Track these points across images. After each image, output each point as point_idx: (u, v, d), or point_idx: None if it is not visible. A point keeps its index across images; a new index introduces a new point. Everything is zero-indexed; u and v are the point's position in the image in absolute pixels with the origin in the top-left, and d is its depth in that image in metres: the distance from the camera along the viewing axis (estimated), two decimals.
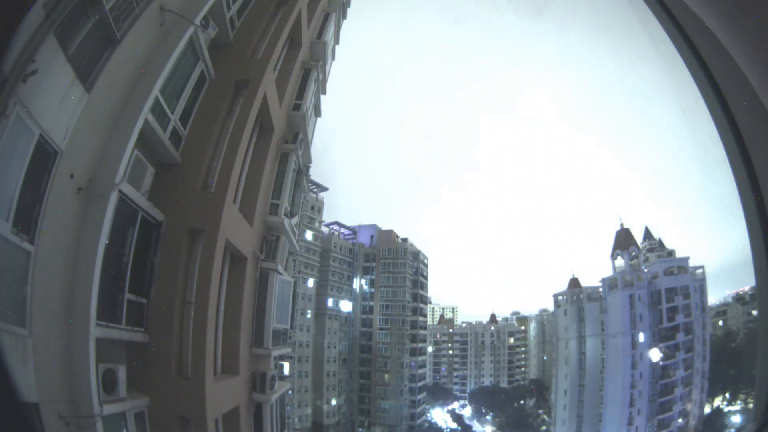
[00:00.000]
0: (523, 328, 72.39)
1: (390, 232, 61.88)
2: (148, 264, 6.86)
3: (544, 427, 58.09)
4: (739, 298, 42.52)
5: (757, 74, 2.60)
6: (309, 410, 49.95)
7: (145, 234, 6.76)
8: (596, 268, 54.62)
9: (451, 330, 74.50)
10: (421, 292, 62.55)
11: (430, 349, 68.53)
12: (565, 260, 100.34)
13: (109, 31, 5.86)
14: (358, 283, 59.23)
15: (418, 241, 63.81)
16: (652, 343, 42.49)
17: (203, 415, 6.86)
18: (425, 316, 64.56)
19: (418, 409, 58.35)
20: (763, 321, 3.89)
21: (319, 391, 51.51)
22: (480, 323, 73.52)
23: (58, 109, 5.06)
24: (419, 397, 58.92)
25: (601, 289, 49.52)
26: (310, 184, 45.10)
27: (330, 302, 55.15)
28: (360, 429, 55.58)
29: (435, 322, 75.99)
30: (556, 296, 55.80)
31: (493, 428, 61.68)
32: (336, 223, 59.77)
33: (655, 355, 42.08)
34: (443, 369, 71.49)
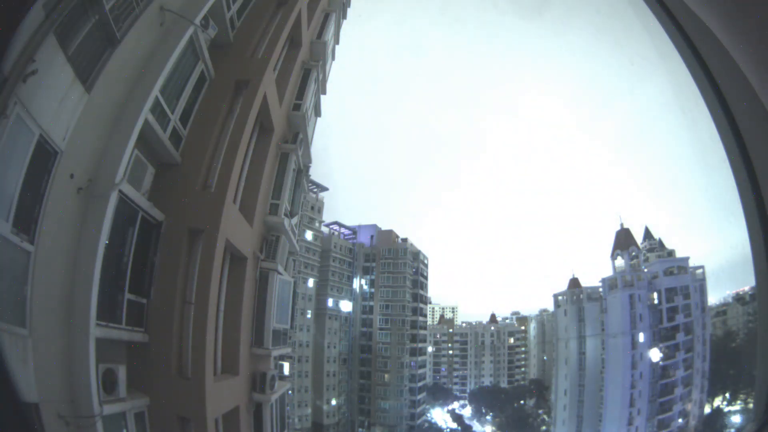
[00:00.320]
0: (523, 328, 72.41)
1: (390, 232, 61.92)
2: (148, 264, 6.85)
3: (544, 427, 58.11)
4: (739, 298, 42.53)
5: (757, 74, 2.60)
6: (309, 410, 49.96)
7: (145, 234, 6.75)
8: (596, 268, 54.78)
9: (451, 330, 74.52)
10: (421, 292, 62.58)
11: (430, 348, 68.54)
12: (565, 260, 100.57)
13: (109, 31, 5.86)
14: (358, 283, 59.25)
15: (418, 241, 63.94)
16: (652, 343, 42.50)
17: (203, 415, 6.85)
18: (425, 316, 64.60)
19: (418, 409, 58.37)
20: (763, 321, 3.88)
21: (319, 391, 51.52)
22: (480, 323, 73.58)
23: (58, 109, 5.05)
24: (419, 397, 58.94)
25: (601, 289, 49.54)
26: (310, 184, 45.11)
27: (330, 302, 55.17)
28: (360, 429, 55.59)
29: (435, 322, 76.01)
30: (556, 296, 55.85)
31: (493, 428, 61.69)
32: (336, 223, 59.87)
33: (655, 355, 42.09)
34: (443, 369, 71.49)
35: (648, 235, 50.49)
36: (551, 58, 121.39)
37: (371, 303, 58.84)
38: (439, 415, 63.81)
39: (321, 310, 54.06)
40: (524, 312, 73.68)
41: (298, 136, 11.64)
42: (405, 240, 61.85)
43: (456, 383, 70.05)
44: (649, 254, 48.61)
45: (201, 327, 7.12)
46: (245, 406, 8.93)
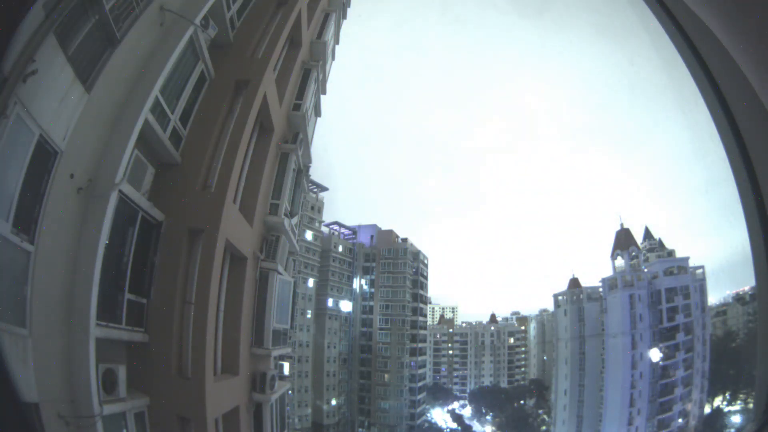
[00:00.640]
0: (523, 328, 72.39)
1: (390, 232, 61.89)
2: (148, 264, 6.86)
3: (544, 427, 58.10)
4: (739, 298, 42.51)
5: (757, 74, 2.60)
6: (309, 410, 49.95)
7: (145, 234, 6.76)
8: (596, 268, 54.74)
9: (451, 330, 74.49)
10: (421, 292, 62.56)
11: (429, 348, 68.55)
12: (565, 260, 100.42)
13: (109, 31, 5.86)
14: (358, 283, 59.24)
15: (418, 241, 63.94)
16: (652, 343, 42.50)
17: (203, 415, 6.86)
18: (425, 316, 64.59)
19: (418, 409, 58.36)
20: (763, 321, 3.88)
21: (319, 391, 51.51)
22: (480, 323, 73.51)
23: (58, 109, 5.06)
24: (419, 397, 58.93)
25: (601, 289, 49.52)
26: (310, 184, 45.12)
27: (330, 302, 55.16)
28: (360, 429, 55.58)
29: (435, 322, 76.00)
30: (556, 296, 55.80)
31: (493, 428, 61.67)
32: (336, 223, 59.83)
33: (655, 355, 42.09)
34: (443, 369, 71.49)
35: (648, 235, 50.48)
36: (551, 58, 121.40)
37: (371, 303, 58.84)
38: (439, 415, 63.80)
39: (321, 310, 54.07)
40: (524, 312, 73.70)
41: (298, 136, 11.64)
42: (405, 240, 61.84)
43: (456, 383, 70.04)
44: (649, 254, 48.59)
45: (201, 327, 7.12)
46: (245, 406, 8.93)
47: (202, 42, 7.95)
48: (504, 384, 68.05)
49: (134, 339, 6.43)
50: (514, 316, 74.82)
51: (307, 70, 12.86)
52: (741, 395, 36.43)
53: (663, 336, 42.34)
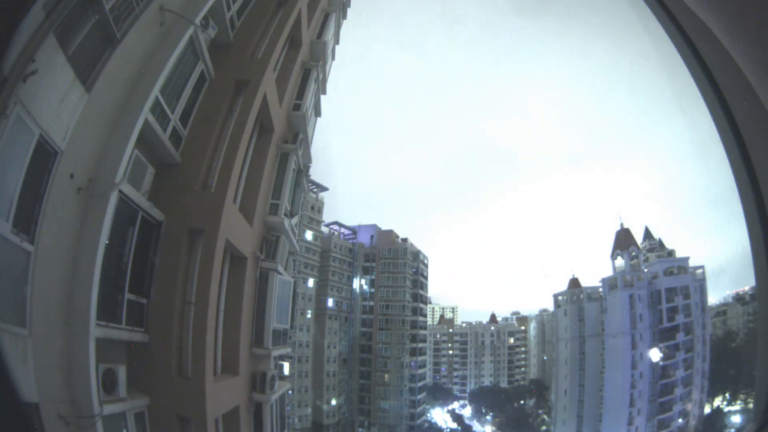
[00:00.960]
0: (523, 328, 72.37)
1: (390, 232, 61.88)
2: (148, 264, 6.86)
3: (544, 427, 58.09)
4: (739, 298, 42.50)
5: (757, 74, 2.60)
6: (309, 410, 49.96)
7: (145, 234, 6.76)
8: (596, 268, 54.74)
9: (451, 330, 74.47)
10: (421, 292, 62.55)
11: (429, 349, 68.53)
12: (565, 260, 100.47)
13: (109, 31, 5.86)
14: (358, 283, 59.24)
15: (418, 241, 63.92)
16: (652, 343, 42.49)
17: (203, 415, 6.86)
18: (425, 316, 64.58)
19: (418, 409, 58.35)
20: (763, 321, 3.89)
21: (319, 391, 51.51)
22: (480, 323, 73.50)
23: (58, 109, 5.05)
24: (419, 397, 58.92)
25: (601, 289, 49.52)
26: (310, 184, 45.12)
27: (330, 302, 55.16)
28: (360, 429, 55.58)
29: (435, 322, 75.97)
30: (556, 296, 55.78)
31: (493, 428, 61.66)
32: (336, 223, 59.83)
33: (655, 355, 42.08)
34: (443, 369, 71.48)
35: (648, 235, 50.47)
36: (551, 58, 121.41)
37: (371, 303, 58.83)
38: (439, 415, 63.78)
39: (321, 310, 54.06)
40: (524, 312, 73.67)
41: (298, 136, 11.64)
42: (405, 240, 61.83)
43: (456, 383, 70.03)
44: (649, 254, 48.58)
45: (201, 327, 7.12)
46: (245, 406, 8.93)
47: (202, 42, 7.95)
48: (504, 384, 68.03)
49: (134, 339, 6.42)
50: (514, 316, 74.80)
51: (307, 70, 12.86)
52: (741, 395, 36.42)
53: (663, 336, 42.33)
